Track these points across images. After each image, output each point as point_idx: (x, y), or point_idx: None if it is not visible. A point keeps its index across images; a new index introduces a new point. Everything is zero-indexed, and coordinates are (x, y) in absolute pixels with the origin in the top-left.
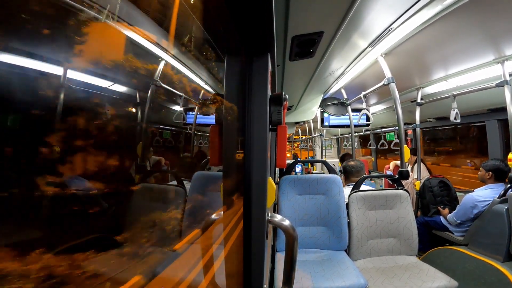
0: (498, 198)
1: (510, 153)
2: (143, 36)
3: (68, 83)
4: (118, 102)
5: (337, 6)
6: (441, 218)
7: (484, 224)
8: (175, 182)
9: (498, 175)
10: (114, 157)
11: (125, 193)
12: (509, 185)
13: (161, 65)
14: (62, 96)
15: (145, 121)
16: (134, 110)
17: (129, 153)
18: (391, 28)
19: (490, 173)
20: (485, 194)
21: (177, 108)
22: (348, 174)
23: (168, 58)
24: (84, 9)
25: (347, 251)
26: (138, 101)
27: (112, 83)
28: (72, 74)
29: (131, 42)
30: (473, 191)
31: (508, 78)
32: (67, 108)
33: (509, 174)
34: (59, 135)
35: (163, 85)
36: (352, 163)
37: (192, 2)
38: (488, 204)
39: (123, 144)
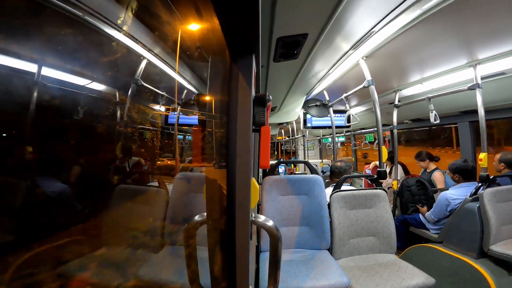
0: (470, 196)
1: (481, 153)
2: (125, 34)
3: (42, 80)
4: (95, 101)
5: (322, 9)
6: (420, 215)
7: (457, 222)
8: (156, 183)
9: (465, 175)
10: (90, 157)
11: (101, 194)
12: (480, 183)
13: (143, 64)
14: (35, 94)
15: (124, 121)
16: (113, 109)
17: (107, 153)
18: (372, 32)
19: (457, 175)
20: (457, 192)
21: (160, 108)
22: (332, 175)
23: (150, 57)
24: (66, 7)
25: (330, 250)
26: (117, 100)
27: (90, 81)
28: (47, 72)
29: (112, 40)
30: (448, 189)
31: (479, 81)
32: (41, 106)
33: (480, 173)
34: (32, 134)
35: (145, 84)
36: (338, 164)
37: (178, 1)
38: (461, 202)
39: (100, 144)
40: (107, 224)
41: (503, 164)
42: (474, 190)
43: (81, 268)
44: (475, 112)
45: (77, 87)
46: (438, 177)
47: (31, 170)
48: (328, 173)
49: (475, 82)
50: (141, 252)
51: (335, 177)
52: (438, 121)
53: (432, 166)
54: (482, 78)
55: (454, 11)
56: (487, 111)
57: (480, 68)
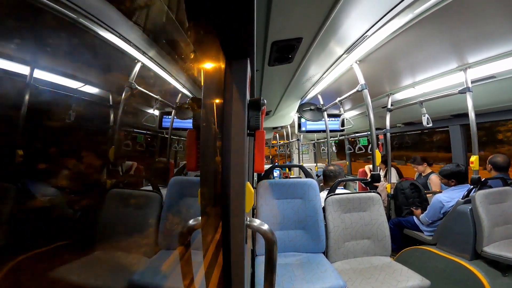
0: (462, 198)
1: (472, 156)
2: (119, 37)
3: (34, 83)
4: (88, 104)
5: (316, 13)
6: (414, 218)
7: (450, 224)
8: (150, 187)
9: (460, 178)
10: (83, 161)
11: (93, 198)
12: (472, 186)
13: (137, 67)
14: (27, 97)
15: (118, 125)
16: (106, 112)
17: (99, 157)
18: (366, 36)
19: (453, 180)
20: (451, 195)
21: (154, 112)
22: (326, 179)
23: (145, 60)
24: (59, 9)
25: (325, 253)
26: (111, 103)
27: (83, 84)
28: (39, 74)
29: (106, 43)
30: (441, 192)
31: (470, 85)
32: (32, 109)
33: (472, 175)
34: (23, 137)
35: (139, 87)
36: (331, 168)
37: (171, 5)
38: (454, 204)
39: (93, 148)
40: (100, 228)
41: (490, 165)
42: (466, 193)
43: (73, 272)
44: (466, 115)
45: (70, 90)
46: (434, 180)
47: (21, 174)
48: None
49: (465, 86)
50: (135, 256)
51: (330, 181)
52: (430, 125)
53: (428, 169)
54: (472, 82)
55: (445, 16)
56: (477, 115)
57: (471, 71)
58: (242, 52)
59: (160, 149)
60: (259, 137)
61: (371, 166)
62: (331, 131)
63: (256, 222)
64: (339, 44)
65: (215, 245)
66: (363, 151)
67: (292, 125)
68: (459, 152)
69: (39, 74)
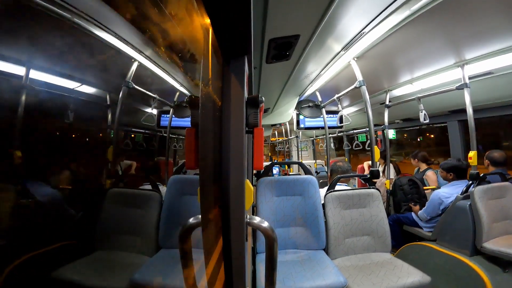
0: (461, 194)
1: (470, 151)
2: (115, 36)
3: (30, 83)
4: (86, 104)
5: (313, 10)
6: (413, 214)
7: (449, 220)
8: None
9: (459, 173)
10: (82, 162)
11: (94, 198)
12: (470, 181)
13: (134, 66)
14: (23, 97)
15: (116, 124)
16: (104, 112)
17: (98, 157)
18: (363, 32)
19: (452, 174)
20: (450, 190)
21: (153, 111)
22: (333, 174)
23: (141, 59)
24: (56, 10)
25: (326, 250)
26: (108, 103)
27: (80, 84)
28: (35, 75)
29: (102, 42)
30: (440, 187)
31: (467, 81)
32: (29, 109)
33: (470, 171)
34: (21, 138)
35: (136, 86)
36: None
37: (169, 3)
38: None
39: (92, 148)
40: (100, 228)
41: (487, 161)
42: (465, 188)
43: (75, 272)
44: (463, 111)
45: (67, 90)
46: (431, 176)
47: (20, 175)
48: (322, 173)
49: (463, 82)
50: (136, 255)
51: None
52: (427, 121)
53: (424, 166)
54: (470, 78)
55: (442, 12)
56: (475, 110)
57: (468, 68)
58: (239, 50)
59: (159, 148)
60: (258, 135)
61: (369, 162)
62: (329, 127)
63: (256, 219)
64: (336, 41)
65: (215, 243)
66: (360, 147)
67: (291, 122)
68: (457, 147)
69: (35, 74)
